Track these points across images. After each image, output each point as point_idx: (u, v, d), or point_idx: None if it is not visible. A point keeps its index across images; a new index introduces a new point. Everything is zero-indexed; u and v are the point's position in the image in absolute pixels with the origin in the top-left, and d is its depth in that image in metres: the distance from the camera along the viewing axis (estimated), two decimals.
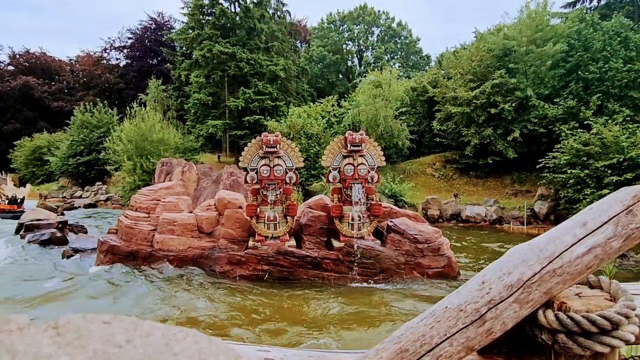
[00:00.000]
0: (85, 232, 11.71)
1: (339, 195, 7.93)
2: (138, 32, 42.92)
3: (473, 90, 18.24)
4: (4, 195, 18.91)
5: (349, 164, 7.77)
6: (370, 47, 40.51)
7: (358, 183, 7.74)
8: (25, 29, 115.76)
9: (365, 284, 6.87)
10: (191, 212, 8.22)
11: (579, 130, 14.64)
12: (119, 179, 23.26)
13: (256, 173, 7.76)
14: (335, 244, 7.56)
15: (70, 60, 49.02)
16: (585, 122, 15.07)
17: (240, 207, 7.98)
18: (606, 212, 1.21)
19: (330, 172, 7.98)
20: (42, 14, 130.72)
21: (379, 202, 7.90)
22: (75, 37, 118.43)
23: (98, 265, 7.47)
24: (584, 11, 22.87)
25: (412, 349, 1.16)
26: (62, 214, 15.04)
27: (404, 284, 6.78)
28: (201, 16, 28.20)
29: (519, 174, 18.41)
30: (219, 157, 30.18)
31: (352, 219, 7.66)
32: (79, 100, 39.13)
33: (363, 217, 7.72)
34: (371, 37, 40.86)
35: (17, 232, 11.34)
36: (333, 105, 22.45)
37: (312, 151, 18.31)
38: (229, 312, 5.43)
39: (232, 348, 0.46)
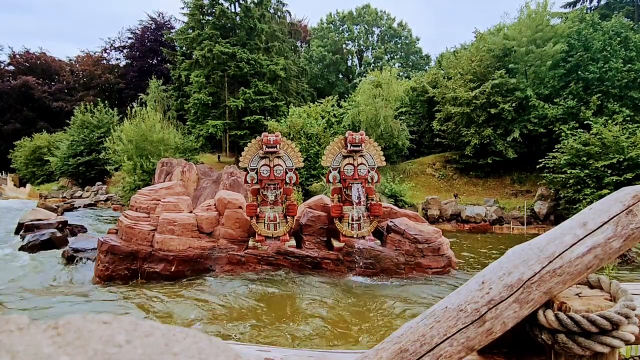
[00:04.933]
0: (86, 232, 11.71)
1: (339, 195, 7.94)
2: (138, 32, 42.92)
3: (473, 91, 18.23)
4: None
5: (349, 164, 7.78)
6: (370, 47, 40.53)
7: (358, 183, 7.75)
8: (25, 30, 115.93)
9: (366, 279, 6.86)
10: (191, 212, 8.22)
11: (579, 130, 14.63)
12: (119, 179, 23.26)
13: (256, 173, 7.76)
14: (335, 244, 7.56)
15: (70, 60, 49.04)
16: (585, 122, 15.06)
17: (240, 207, 7.98)
18: (606, 212, 1.21)
19: (330, 172, 7.99)
20: (41, 16, 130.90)
21: (379, 202, 7.90)
22: (74, 38, 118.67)
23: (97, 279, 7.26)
24: (584, 11, 22.88)
25: (412, 349, 1.16)
26: (62, 214, 15.03)
27: (403, 284, 6.78)
28: (201, 16, 28.20)
29: (519, 174, 18.41)
30: (219, 157, 30.19)
31: (352, 219, 7.67)
32: (79, 100, 39.14)
33: (363, 217, 7.72)
34: (371, 37, 40.89)
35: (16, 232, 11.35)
36: (333, 106, 22.44)
37: (312, 151, 18.30)
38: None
39: (232, 348, 0.46)
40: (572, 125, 15.47)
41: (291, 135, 18.81)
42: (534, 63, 17.85)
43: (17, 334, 0.41)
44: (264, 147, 7.65)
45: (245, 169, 8.02)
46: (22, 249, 9.38)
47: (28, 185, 34.14)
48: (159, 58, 41.03)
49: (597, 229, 1.19)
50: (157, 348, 0.41)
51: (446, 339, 1.15)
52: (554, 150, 14.47)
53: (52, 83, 47.00)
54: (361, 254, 7.20)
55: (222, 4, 27.44)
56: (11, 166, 38.88)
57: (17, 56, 46.96)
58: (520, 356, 1.35)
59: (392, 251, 7.20)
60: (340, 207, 7.75)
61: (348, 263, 7.27)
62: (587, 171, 12.90)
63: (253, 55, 26.99)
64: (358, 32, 40.45)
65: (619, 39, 16.90)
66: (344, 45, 40.13)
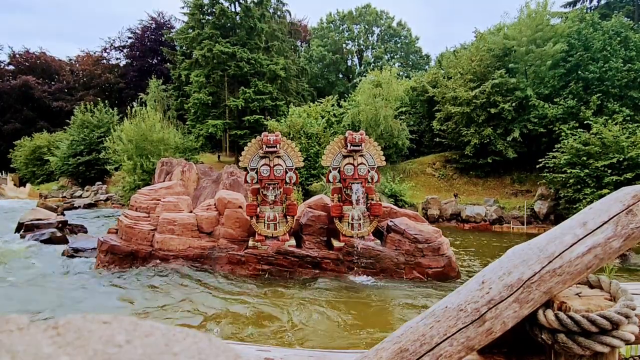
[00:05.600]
0: (86, 232, 11.71)
1: (339, 195, 7.93)
2: (138, 31, 42.91)
3: (473, 90, 18.23)
4: None
5: (349, 163, 7.77)
6: (370, 47, 40.53)
7: (358, 183, 7.74)
8: (25, 30, 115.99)
9: (366, 278, 6.87)
10: (191, 211, 8.22)
11: (579, 130, 14.62)
12: (119, 179, 23.27)
13: (256, 173, 7.76)
14: (335, 243, 7.56)
15: (70, 60, 49.04)
16: (585, 122, 15.06)
17: (240, 207, 7.98)
18: (606, 212, 1.21)
19: (330, 171, 7.98)
20: (41, 16, 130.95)
21: (379, 202, 7.89)
22: (74, 38, 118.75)
23: (97, 267, 7.46)
24: (584, 11, 22.86)
25: (412, 348, 1.16)
26: (62, 214, 15.02)
27: (403, 284, 6.78)
28: (201, 16, 28.20)
29: (519, 173, 18.41)
30: (219, 157, 30.19)
31: (352, 219, 7.66)
32: (79, 100, 39.15)
33: (363, 216, 7.72)
34: (371, 36, 40.89)
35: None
36: (333, 105, 22.45)
37: (312, 151, 18.30)
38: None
39: (232, 348, 0.46)
40: (572, 125, 15.47)
41: (291, 135, 18.81)
42: (534, 63, 17.84)
43: (17, 334, 0.41)
44: (264, 146, 7.64)
45: (245, 169, 8.02)
46: (21, 248, 9.39)
47: (28, 185, 34.14)
48: (159, 58, 41.02)
49: (597, 228, 1.19)
50: (157, 348, 0.41)
51: (446, 339, 1.15)
52: (554, 150, 14.46)
53: (52, 83, 47.00)
54: (361, 254, 7.20)
55: (222, 4, 27.44)
56: (11, 166, 38.89)
57: (17, 56, 46.95)
58: (520, 356, 1.35)
59: (392, 251, 7.20)
60: (340, 207, 7.75)
61: (348, 263, 7.27)
62: (587, 171, 12.89)
63: (253, 54, 27.00)
64: (358, 32, 40.46)
65: (619, 38, 16.89)
66: (344, 45, 40.12)
